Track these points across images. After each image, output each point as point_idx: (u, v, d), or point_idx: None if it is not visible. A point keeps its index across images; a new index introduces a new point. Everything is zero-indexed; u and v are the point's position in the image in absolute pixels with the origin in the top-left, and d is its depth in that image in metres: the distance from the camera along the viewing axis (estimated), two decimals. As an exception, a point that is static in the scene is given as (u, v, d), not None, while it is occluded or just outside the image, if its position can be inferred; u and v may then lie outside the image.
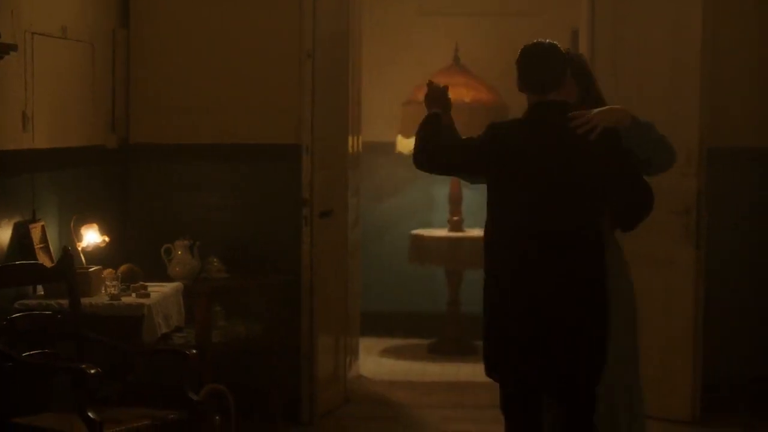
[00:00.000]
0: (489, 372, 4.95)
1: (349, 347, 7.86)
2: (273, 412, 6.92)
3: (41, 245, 5.76)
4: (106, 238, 6.24)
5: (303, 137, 7.04)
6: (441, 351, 9.07)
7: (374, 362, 8.73)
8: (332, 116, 7.31)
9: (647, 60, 7.09)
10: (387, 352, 9.11)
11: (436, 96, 5.13)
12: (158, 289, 6.07)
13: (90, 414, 4.84)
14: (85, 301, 5.58)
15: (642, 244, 7.04)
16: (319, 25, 7.03)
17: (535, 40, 4.97)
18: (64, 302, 5.51)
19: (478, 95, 8.90)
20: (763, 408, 7.24)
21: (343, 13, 7.52)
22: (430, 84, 5.19)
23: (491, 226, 4.95)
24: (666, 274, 7.07)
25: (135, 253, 6.82)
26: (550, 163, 4.82)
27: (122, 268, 6.19)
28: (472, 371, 8.32)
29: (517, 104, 5.18)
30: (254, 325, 6.95)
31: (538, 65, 4.89)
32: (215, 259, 6.79)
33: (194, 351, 5.53)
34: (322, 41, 7.09)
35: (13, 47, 5.25)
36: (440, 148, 5.04)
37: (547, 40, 4.96)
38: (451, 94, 5.21)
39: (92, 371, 4.89)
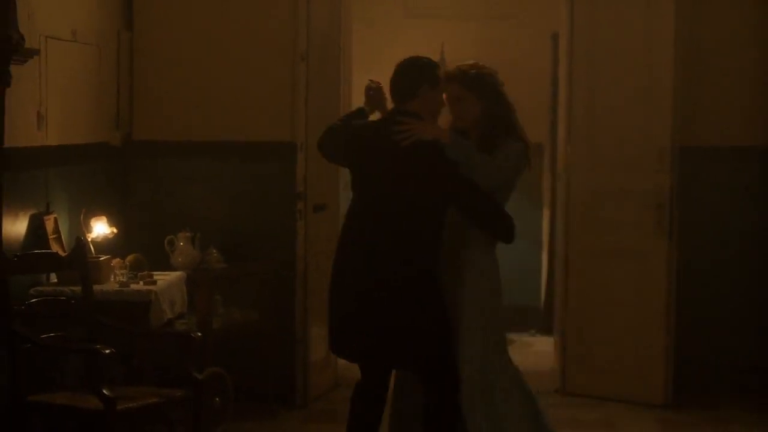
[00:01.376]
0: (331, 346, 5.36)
1: (340, 335, 8.07)
2: (269, 395, 7.11)
3: (54, 236, 6.00)
4: (114, 230, 6.48)
5: (297, 135, 7.25)
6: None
7: (363, 350, 8.95)
8: (324, 114, 7.42)
9: (623, 62, 7.29)
10: (375, 341, 9.30)
11: (371, 93, 5.55)
12: (163, 278, 6.30)
13: (105, 391, 5.10)
14: (96, 288, 5.82)
15: (617, 238, 7.36)
16: (312, 29, 7.25)
17: (410, 56, 5.35)
18: (77, 289, 5.74)
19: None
20: (733, 393, 7.45)
21: (335, 17, 7.71)
22: (368, 83, 5.59)
23: (346, 216, 5.37)
24: (640, 266, 7.27)
25: (140, 244, 6.99)
26: (383, 163, 5.20)
27: (130, 257, 6.46)
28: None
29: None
30: (251, 313, 7.11)
31: (396, 77, 5.31)
32: (215, 250, 6.93)
33: (199, 334, 5.78)
34: (315, 44, 7.30)
35: (35, 52, 5.49)
36: (332, 144, 5.44)
37: (420, 57, 5.34)
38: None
39: (107, 351, 5.17)
